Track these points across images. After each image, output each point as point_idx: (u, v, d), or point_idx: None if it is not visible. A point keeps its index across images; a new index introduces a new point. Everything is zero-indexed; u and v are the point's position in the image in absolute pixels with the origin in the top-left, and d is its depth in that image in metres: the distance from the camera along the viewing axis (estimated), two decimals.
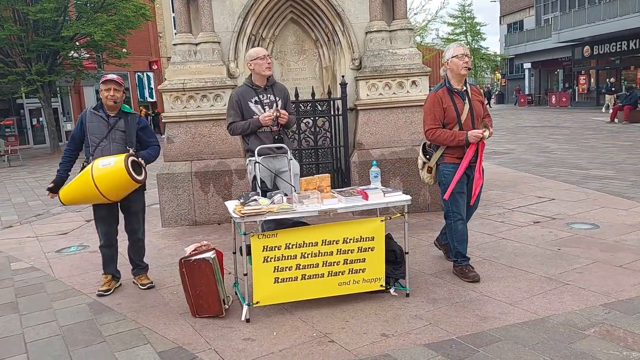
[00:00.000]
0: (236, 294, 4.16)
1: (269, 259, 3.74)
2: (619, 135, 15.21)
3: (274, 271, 3.76)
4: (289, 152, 4.55)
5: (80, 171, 4.25)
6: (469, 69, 4.28)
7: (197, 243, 4.03)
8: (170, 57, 7.04)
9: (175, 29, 7.00)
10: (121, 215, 4.60)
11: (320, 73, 7.36)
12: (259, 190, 4.30)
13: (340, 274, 3.89)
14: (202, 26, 6.76)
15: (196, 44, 6.75)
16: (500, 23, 45.31)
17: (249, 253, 3.79)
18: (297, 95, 6.55)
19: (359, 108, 6.77)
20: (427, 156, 4.46)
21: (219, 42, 6.78)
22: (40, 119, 25.76)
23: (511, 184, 8.22)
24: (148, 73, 32.57)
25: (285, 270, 3.78)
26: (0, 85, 20.83)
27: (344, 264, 3.88)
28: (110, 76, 4.43)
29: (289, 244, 3.77)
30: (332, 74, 7.18)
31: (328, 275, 3.87)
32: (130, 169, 4.11)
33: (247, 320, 3.74)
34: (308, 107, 6.70)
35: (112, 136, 4.38)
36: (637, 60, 28.62)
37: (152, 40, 32.58)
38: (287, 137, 4.83)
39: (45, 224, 7.63)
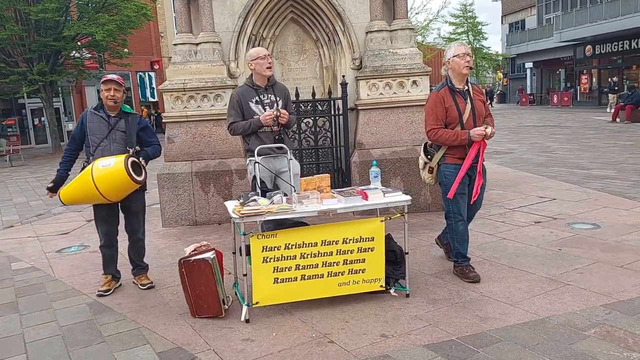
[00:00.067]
0: (236, 294, 4.16)
1: (268, 260, 3.73)
2: (620, 135, 15.18)
3: (274, 271, 3.76)
4: (289, 152, 4.54)
5: (81, 171, 4.26)
6: (471, 68, 4.25)
7: (197, 243, 4.02)
8: (171, 57, 7.04)
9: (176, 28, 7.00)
10: (121, 215, 4.60)
11: (321, 73, 7.36)
12: (258, 190, 4.29)
13: (340, 274, 3.88)
14: (203, 26, 6.75)
15: (197, 44, 6.75)
16: (502, 22, 45.25)
17: (248, 253, 3.78)
18: (297, 95, 6.54)
19: (359, 108, 6.76)
20: (429, 156, 4.44)
21: (220, 42, 6.78)
22: (42, 118, 25.80)
23: (512, 184, 8.20)
24: (150, 73, 32.60)
25: (285, 270, 3.77)
26: (2, 85, 20.85)
27: (343, 264, 3.87)
28: (110, 76, 4.43)
29: (289, 244, 3.76)
30: (333, 73, 7.18)
31: (328, 276, 3.86)
32: (130, 170, 4.11)
33: (247, 321, 3.73)
34: (308, 107, 6.70)
35: (112, 136, 4.38)
36: (639, 60, 28.55)
37: (154, 40, 32.61)
38: (288, 137, 4.83)
39: (46, 224, 7.64)
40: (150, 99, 32.56)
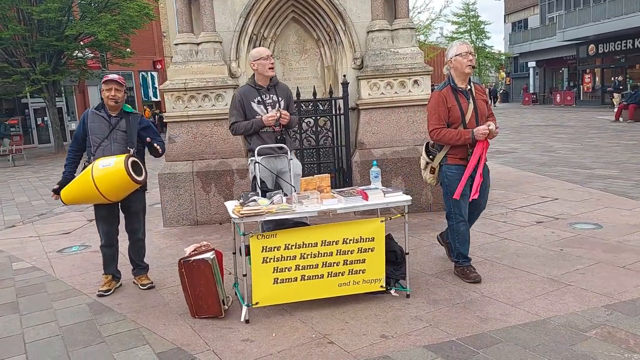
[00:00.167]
0: (236, 294, 4.15)
1: (268, 260, 3.73)
2: (623, 134, 15.13)
3: (274, 272, 3.75)
4: (289, 152, 4.53)
5: (82, 171, 4.26)
6: (473, 67, 4.22)
7: (197, 243, 4.02)
8: (172, 57, 7.04)
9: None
10: (122, 215, 4.60)
11: (322, 72, 7.35)
12: (258, 190, 4.28)
13: (340, 274, 3.87)
14: (204, 26, 6.75)
15: (197, 44, 6.74)
16: (504, 21, 45.15)
17: (248, 253, 3.77)
18: (298, 94, 6.53)
19: (360, 107, 6.75)
20: (430, 156, 4.41)
21: (221, 42, 6.77)
22: (45, 118, 25.84)
23: (514, 184, 8.18)
24: (152, 73, 32.64)
25: (285, 271, 3.76)
26: (4, 85, 20.90)
27: (343, 264, 3.86)
28: (111, 76, 4.43)
29: (289, 244, 3.75)
30: (334, 73, 7.16)
31: (328, 276, 3.85)
32: (130, 170, 4.10)
33: (247, 321, 3.72)
34: (310, 107, 6.69)
35: (113, 136, 4.37)
36: None
37: (156, 40, 32.66)
38: (290, 137, 4.82)
39: (48, 224, 7.65)
40: (153, 99, 32.60)
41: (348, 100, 6.67)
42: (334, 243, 3.83)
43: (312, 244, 3.79)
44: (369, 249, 3.89)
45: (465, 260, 4.35)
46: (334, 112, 6.75)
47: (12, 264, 5.62)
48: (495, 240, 5.30)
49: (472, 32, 44.51)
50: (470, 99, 4.22)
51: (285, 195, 4.00)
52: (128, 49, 23.12)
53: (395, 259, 4.16)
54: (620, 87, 25.74)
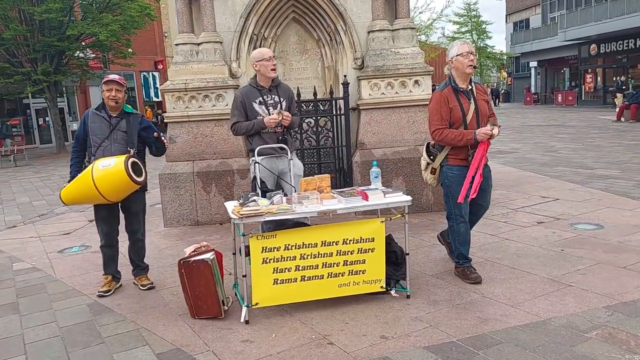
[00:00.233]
0: (236, 295, 4.14)
1: (268, 260, 3.72)
2: (625, 134, 15.10)
3: (273, 272, 3.74)
4: (289, 152, 4.53)
5: (82, 171, 4.26)
6: (475, 67, 4.20)
7: (197, 244, 4.02)
8: (173, 57, 7.04)
9: None
10: (122, 215, 4.60)
11: (323, 73, 7.34)
12: (258, 190, 4.28)
13: (340, 275, 3.87)
14: (204, 26, 6.75)
15: (198, 44, 6.74)
16: (506, 21, 45.11)
17: (248, 254, 3.77)
18: (299, 95, 6.52)
19: (361, 108, 6.74)
20: (431, 157, 4.39)
21: (221, 42, 6.77)
22: (47, 118, 25.87)
23: (515, 184, 8.16)
24: (153, 73, 32.69)
25: (285, 271, 3.76)
26: (6, 85, 20.93)
27: (343, 265, 3.85)
28: (111, 76, 4.43)
29: (288, 245, 3.75)
30: (335, 73, 7.16)
31: (328, 277, 3.84)
32: (130, 171, 4.10)
33: (246, 322, 3.72)
34: (310, 107, 6.68)
35: (113, 137, 4.38)
36: None
37: (158, 40, 32.70)
38: (291, 138, 4.81)
39: (49, 224, 7.65)
40: (155, 99, 32.64)
41: (349, 100, 6.67)
42: (334, 243, 3.82)
43: (312, 244, 3.78)
44: (369, 249, 3.88)
45: (466, 261, 4.34)
46: (334, 112, 6.74)
47: (12, 265, 5.62)
48: (496, 241, 5.28)
49: (473, 32, 44.47)
50: (472, 99, 4.20)
51: (286, 195, 4.00)
52: (129, 49, 23.14)
53: (395, 259, 4.15)
54: (623, 87, 25.68)
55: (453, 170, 4.22)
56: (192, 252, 3.89)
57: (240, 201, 3.88)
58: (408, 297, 3.99)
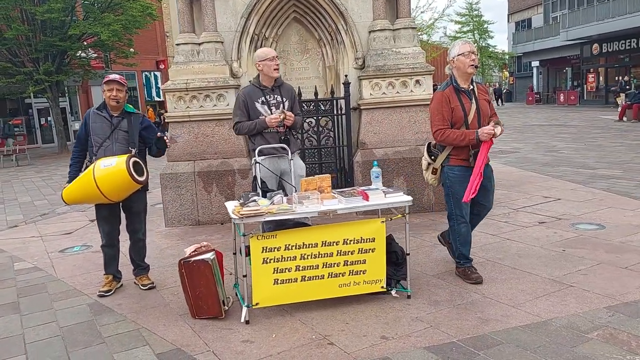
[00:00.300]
0: (236, 295, 4.14)
1: (268, 260, 3.72)
2: (627, 134, 15.07)
3: (274, 272, 3.74)
4: (289, 152, 4.52)
5: (83, 171, 4.26)
6: (476, 67, 4.17)
7: (197, 244, 4.01)
8: (174, 57, 7.04)
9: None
10: (123, 215, 4.60)
11: (324, 72, 7.33)
12: (259, 190, 4.28)
13: (340, 275, 3.86)
14: (205, 26, 6.74)
15: (199, 44, 6.74)
16: (508, 21, 45.05)
17: (248, 254, 3.77)
18: (300, 94, 6.51)
19: (362, 107, 6.73)
20: (432, 157, 4.37)
21: (222, 42, 6.76)
22: (49, 118, 25.93)
23: (517, 184, 8.15)
24: (155, 72, 32.72)
25: (285, 271, 3.75)
26: (8, 85, 20.96)
27: (344, 265, 3.85)
28: (112, 76, 4.42)
29: (289, 245, 3.74)
30: (336, 73, 7.15)
31: (328, 277, 3.83)
32: (132, 170, 4.10)
33: (247, 322, 3.71)
34: (311, 107, 6.68)
35: (114, 136, 4.38)
36: None
37: (159, 40, 32.73)
38: (294, 138, 4.80)
39: (50, 224, 7.66)
40: (157, 99, 32.67)
41: (350, 100, 6.66)
42: (335, 243, 3.82)
43: (312, 244, 3.78)
44: (369, 249, 3.88)
45: (467, 261, 4.33)
46: (335, 112, 6.74)
47: (13, 264, 5.63)
48: (497, 241, 5.27)
49: (475, 32, 44.41)
50: (473, 99, 4.18)
51: (286, 195, 3.99)
52: (131, 49, 23.16)
53: (396, 259, 4.14)
54: (627, 87, 25.60)
55: (454, 170, 4.20)
56: (192, 252, 3.89)
57: (241, 201, 3.87)
58: (409, 297, 3.99)
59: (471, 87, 4.22)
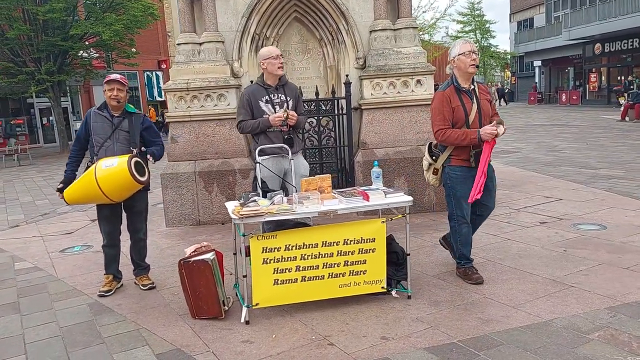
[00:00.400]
0: (237, 295, 4.14)
1: (268, 261, 3.71)
2: (629, 134, 15.03)
3: (274, 273, 3.73)
4: (289, 152, 4.51)
5: (85, 171, 4.25)
6: (477, 66, 4.15)
7: (198, 244, 4.01)
8: (175, 57, 7.04)
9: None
10: (124, 215, 4.59)
11: (325, 72, 7.32)
12: (259, 190, 4.27)
13: (340, 275, 3.85)
14: (206, 26, 6.74)
15: (200, 44, 6.73)
16: (510, 20, 44.98)
17: (248, 254, 3.76)
18: (301, 94, 6.50)
19: (363, 107, 6.72)
20: (433, 157, 4.35)
21: (223, 42, 6.76)
22: (50, 118, 25.98)
23: (518, 184, 8.13)
24: (157, 72, 32.75)
25: (285, 272, 3.75)
26: (10, 84, 21.01)
27: (344, 265, 3.84)
28: (113, 76, 4.42)
29: (289, 245, 3.73)
30: (337, 73, 7.14)
31: (328, 277, 3.83)
32: (133, 170, 4.10)
33: (247, 322, 3.71)
34: (312, 107, 6.67)
35: (115, 136, 4.37)
36: None
37: (161, 40, 32.75)
38: (297, 137, 4.79)
39: (51, 224, 7.66)
40: (158, 99, 32.70)
41: (351, 100, 6.65)
42: (335, 244, 3.81)
43: (312, 244, 3.77)
44: (369, 249, 3.87)
45: (467, 262, 4.31)
46: (336, 112, 6.73)
47: (14, 264, 5.63)
48: (498, 241, 5.26)
49: (477, 31, 44.35)
50: (474, 98, 4.17)
51: (286, 195, 3.98)
52: (133, 49, 23.19)
53: (396, 259, 4.14)
54: (631, 87, 25.53)
55: (456, 170, 4.18)
56: (192, 252, 3.89)
57: (241, 201, 3.87)
58: (409, 297, 3.98)
59: (472, 86, 4.20)
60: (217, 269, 3.85)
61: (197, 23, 6.91)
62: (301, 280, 3.78)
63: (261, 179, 4.38)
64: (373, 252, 3.87)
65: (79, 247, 6.13)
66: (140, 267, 4.69)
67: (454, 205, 4.23)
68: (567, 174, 8.89)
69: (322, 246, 3.79)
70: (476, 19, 44.71)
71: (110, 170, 4.09)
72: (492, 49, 45.34)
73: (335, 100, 6.69)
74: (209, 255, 3.81)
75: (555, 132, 17.09)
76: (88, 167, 4.27)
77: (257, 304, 3.74)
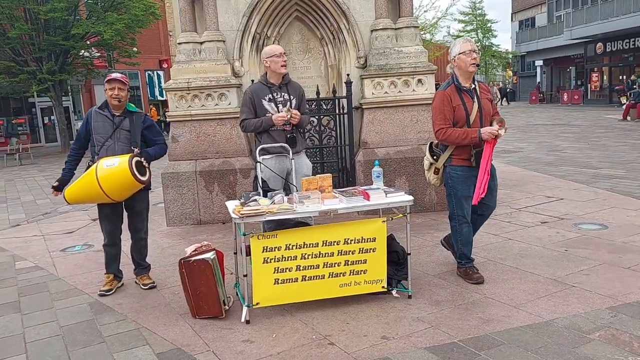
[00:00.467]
0: (237, 294, 4.13)
1: (269, 260, 3.71)
2: (631, 134, 15.01)
3: (274, 272, 3.73)
4: (290, 152, 4.50)
5: (85, 171, 4.25)
6: (478, 65, 4.15)
7: (198, 243, 4.01)
8: (176, 56, 7.04)
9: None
10: (125, 214, 4.59)
11: (326, 71, 7.32)
12: (260, 190, 4.26)
13: (341, 275, 3.85)
14: (207, 25, 6.74)
15: (201, 43, 6.73)
16: (511, 20, 44.93)
17: (249, 254, 3.75)
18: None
19: (364, 107, 6.71)
20: (434, 157, 4.34)
21: (224, 41, 6.75)
22: (52, 117, 25.99)
23: (519, 183, 8.12)
24: (158, 72, 32.73)
25: (286, 271, 3.74)
26: (12, 84, 21.02)
27: (345, 265, 3.83)
28: (114, 75, 4.41)
29: (289, 244, 3.73)
30: (338, 72, 7.13)
31: (329, 277, 3.82)
32: (134, 170, 4.10)
33: (247, 322, 3.71)
34: (313, 106, 6.66)
35: (117, 136, 4.37)
36: None
37: (163, 39, 32.69)
38: (301, 137, 4.78)
39: (52, 223, 7.67)
40: (159, 98, 32.68)
41: (352, 99, 6.65)
42: (335, 243, 3.80)
43: (313, 244, 3.77)
44: (370, 249, 3.86)
45: (468, 261, 4.31)
46: (337, 112, 6.73)
47: (15, 263, 5.63)
48: (499, 241, 5.25)
49: (478, 31, 44.31)
50: (475, 98, 4.16)
51: (286, 195, 3.98)
52: (134, 48, 23.19)
53: (397, 259, 4.13)
54: (634, 87, 25.47)
55: (457, 170, 4.17)
56: (193, 251, 3.88)
57: (242, 201, 3.86)
58: (410, 297, 3.97)
59: (473, 86, 4.19)
60: (218, 268, 3.85)
61: (198, 22, 6.91)
62: (301, 280, 3.78)
63: (262, 178, 4.37)
64: (374, 251, 3.87)
65: (79, 246, 6.13)
66: (141, 266, 4.69)
67: (455, 204, 4.23)
68: (568, 174, 8.88)
69: (322, 245, 3.78)
70: (478, 19, 44.67)
71: (112, 169, 4.09)
72: (493, 49, 45.29)
73: (336, 100, 6.69)
74: (210, 255, 3.81)
75: (556, 131, 17.06)
76: (89, 166, 4.27)
77: (257, 304, 3.73)
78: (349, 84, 6.60)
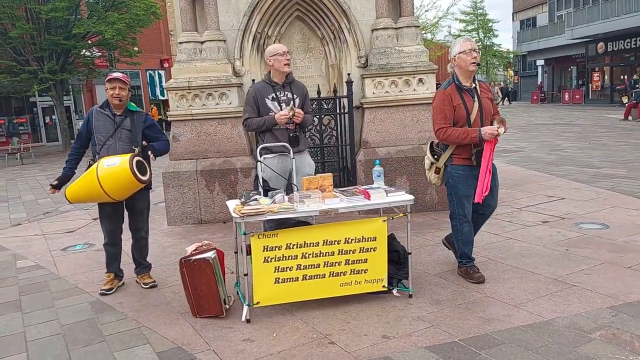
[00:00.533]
0: (237, 293, 4.14)
1: (269, 259, 3.71)
2: (632, 133, 15.00)
3: (275, 271, 3.73)
4: (290, 151, 4.50)
5: (86, 170, 4.26)
6: (478, 64, 4.14)
7: (199, 242, 4.01)
8: (177, 55, 7.04)
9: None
10: (126, 213, 4.60)
11: (327, 71, 7.32)
12: (260, 189, 4.26)
13: (341, 274, 3.85)
14: (208, 24, 6.74)
15: (201, 42, 6.73)
16: (512, 19, 44.89)
17: (249, 253, 3.75)
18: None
19: (365, 106, 6.71)
20: (435, 156, 4.34)
21: (225, 41, 6.75)
22: (53, 117, 26.00)
23: (520, 183, 8.11)
24: (159, 71, 32.72)
25: (286, 270, 3.74)
26: (13, 83, 21.03)
27: (345, 264, 3.83)
28: (115, 74, 4.41)
29: (290, 244, 3.73)
30: (338, 72, 7.13)
31: (329, 276, 3.82)
32: (135, 170, 4.10)
33: (248, 321, 3.71)
34: (314, 106, 6.65)
35: (118, 135, 4.38)
36: None
37: (164, 38, 32.68)
38: (303, 136, 4.77)
39: (53, 222, 7.68)
40: (160, 97, 32.69)
41: (352, 98, 6.65)
42: (336, 242, 3.80)
43: (313, 243, 3.77)
44: (371, 248, 3.86)
45: (469, 261, 4.31)
46: (338, 111, 6.72)
47: (16, 262, 5.64)
48: (499, 240, 5.25)
49: (479, 30, 44.27)
50: (476, 97, 4.15)
51: (287, 194, 3.98)
52: (135, 48, 23.20)
53: (397, 258, 4.13)
54: (636, 86, 25.43)
55: (458, 170, 4.17)
56: (193, 250, 3.89)
57: (242, 200, 3.86)
58: (410, 296, 3.97)
59: (473, 85, 4.18)
60: (218, 267, 3.85)
61: (199, 22, 6.91)
62: (302, 279, 3.78)
63: (263, 177, 4.37)
64: (374, 251, 3.87)
65: (80, 245, 6.14)
66: (142, 265, 4.69)
67: (456, 204, 4.22)
68: (569, 173, 8.87)
69: (323, 245, 3.78)
70: (479, 18, 44.62)
71: (112, 169, 4.10)
72: (494, 48, 45.26)
73: (337, 99, 6.68)
74: (210, 254, 3.81)
75: (557, 131, 17.05)
76: (90, 165, 4.28)
77: (258, 303, 3.73)
78: (349, 83, 6.60)
